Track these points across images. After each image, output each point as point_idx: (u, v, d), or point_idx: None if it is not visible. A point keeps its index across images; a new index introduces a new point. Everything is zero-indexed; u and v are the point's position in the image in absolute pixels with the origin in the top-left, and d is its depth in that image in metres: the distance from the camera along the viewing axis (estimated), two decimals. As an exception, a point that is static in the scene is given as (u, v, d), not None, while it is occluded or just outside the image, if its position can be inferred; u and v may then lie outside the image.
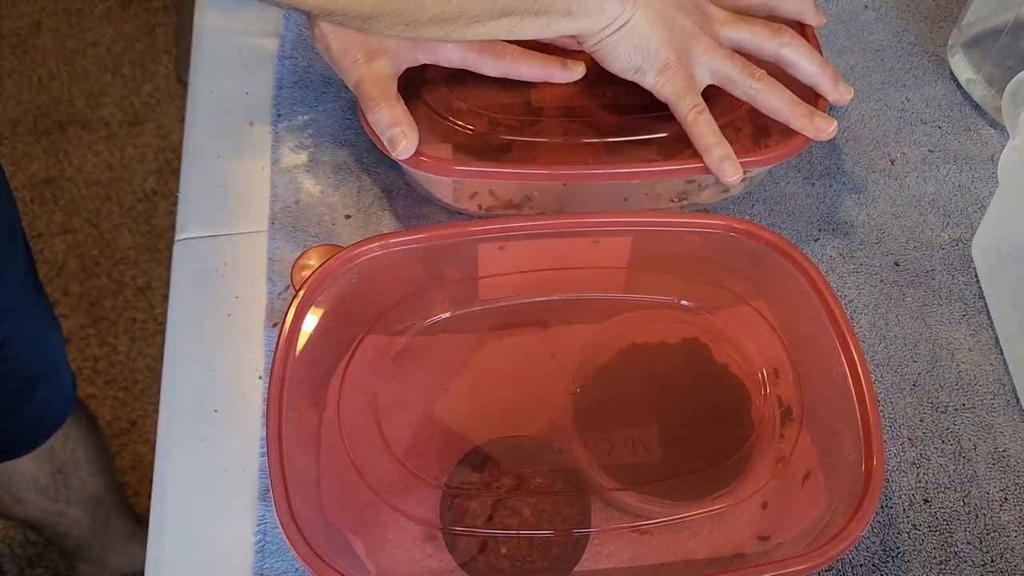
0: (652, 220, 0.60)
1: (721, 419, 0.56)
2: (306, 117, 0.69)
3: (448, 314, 0.61)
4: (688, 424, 0.56)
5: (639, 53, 0.60)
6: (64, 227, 1.64)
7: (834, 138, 0.71)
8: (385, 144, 0.59)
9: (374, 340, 0.60)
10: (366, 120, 0.60)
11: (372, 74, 0.60)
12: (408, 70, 0.62)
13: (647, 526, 0.55)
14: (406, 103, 0.60)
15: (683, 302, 0.62)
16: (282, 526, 0.48)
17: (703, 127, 0.60)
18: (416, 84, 0.64)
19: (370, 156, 0.68)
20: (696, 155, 0.61)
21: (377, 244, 0.57)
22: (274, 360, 0.53)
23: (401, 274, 0.58)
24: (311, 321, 0.56)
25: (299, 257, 0.57)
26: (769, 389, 0.56)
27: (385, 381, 0.59)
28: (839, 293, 0.64)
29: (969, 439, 0.59)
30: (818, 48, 0.66)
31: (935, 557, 0.55)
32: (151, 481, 0.57)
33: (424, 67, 0.63)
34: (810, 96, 0.65)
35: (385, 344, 0.60)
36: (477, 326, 0.62)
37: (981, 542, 0.55)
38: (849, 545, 0.49)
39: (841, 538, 0.49)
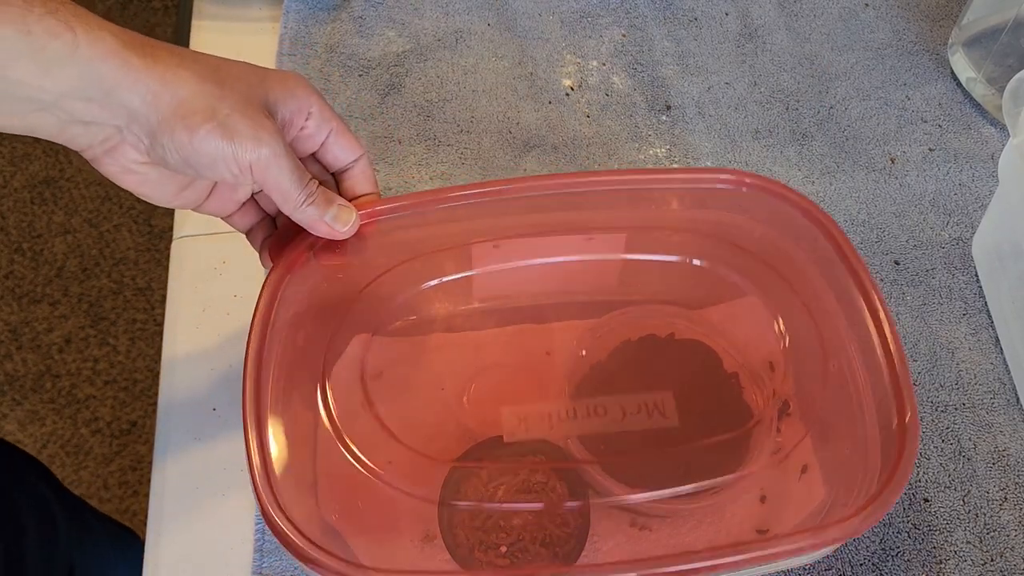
0: (648, 215, 0.60)
1: (718, 413, 0.56)
2: (305, 115, 0.69)
3: (443, 312, 0.61)
4: (685, 419, 0.56)
5: None
6: (64, 227, 1.64)
7: (834, 137, 0.71)
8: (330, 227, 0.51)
9: (369, 340, 0.60)
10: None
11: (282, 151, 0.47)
12: None
13: (646, 521, 0.55)
14: None
15: (679, 297, 0.62)
16: (271, 527, 0.47)
17: None
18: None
19: (369, 154, 0.68)
20: None
21: (374, 243, 0.57)
22: (272, 361, 0.53)
23: (397, 273, 0.58)
24: (308, 321, 0.56)
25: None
26: (766, 383, 0.56)
27: (380, 381, 0.59)
28: (839, 292, 0.64)
29: (969, 438, 0.59)
30: None
31: (935, 556, 0.55)
32: (150, 481, 0.56)
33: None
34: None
35: (380, 344, 0.60)
36: (472, 324, 0.62)
37: (981, 541, 0.55)
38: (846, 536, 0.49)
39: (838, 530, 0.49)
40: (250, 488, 0.55)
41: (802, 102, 0.73)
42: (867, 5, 0.79)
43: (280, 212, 0.51)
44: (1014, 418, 0.60)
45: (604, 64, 0.74)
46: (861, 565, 0.54)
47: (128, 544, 0.93)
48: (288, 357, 0.53)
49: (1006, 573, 0.54)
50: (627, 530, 0.54)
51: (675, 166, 0.69)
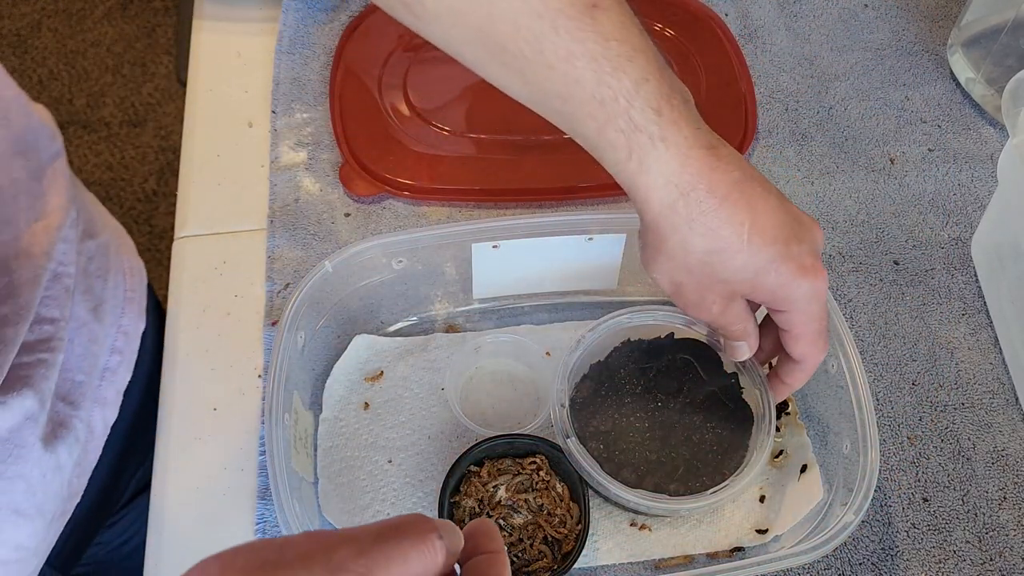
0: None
1: (718, 414, 0.56)
2: (305, 115, 0.69)
3: (444, 313, 0.62)
4: (685, 419, 0.56)
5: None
6: (64, 227, 1.64)
7: (834, 137, 0.71)
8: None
9: (371, 340, 0.60)
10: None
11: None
12: None
13: (646, 521, 0.55)
14: None
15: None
16: (283, 526, 0.48)
17: None
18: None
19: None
20: None
21: (374, 244, 0.57)
22: (273, 361, 0.53)
23: (397, 274, 0.58)
24: (309, 321, 0.56)
25: None
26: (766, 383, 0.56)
27: (380, 381, 0.59)
28: (838, 292, 0.64)
29: (968, 438, 0.59)
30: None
31: (934, 556, 0.55)
32: (150, 481, 0.57)
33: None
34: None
35: (381, 344, 0.60)
36: (473, 324, 0.62)
37: (980, 541, 0.55)
38: (844, 536, 0.49)
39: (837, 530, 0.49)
40: (250, 487, 0.56)
41: (802, 102, 0.73)
42: (866, 6, 0.79)
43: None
44: (1013, 418, 0.60)
45: (604, 64, 0.74)
46: (860, 565, 0.54)
47: None
48: (288, 357, 0.54)
49: (1005, 572, 0.55)
50: (627, 530, 0.55)
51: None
